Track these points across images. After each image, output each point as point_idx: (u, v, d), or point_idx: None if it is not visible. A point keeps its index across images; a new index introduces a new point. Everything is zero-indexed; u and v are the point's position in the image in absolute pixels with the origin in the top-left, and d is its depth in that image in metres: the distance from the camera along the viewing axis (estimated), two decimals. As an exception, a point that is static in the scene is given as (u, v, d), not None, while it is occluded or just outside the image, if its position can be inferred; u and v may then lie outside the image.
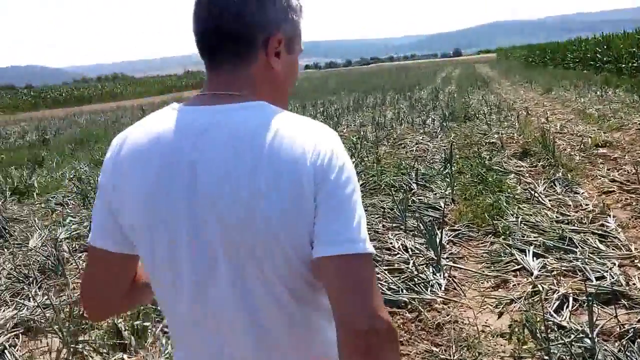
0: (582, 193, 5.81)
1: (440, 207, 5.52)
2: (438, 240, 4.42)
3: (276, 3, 0.97)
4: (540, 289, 3.71)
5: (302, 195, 0.89)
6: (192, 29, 0.99)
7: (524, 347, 3.06)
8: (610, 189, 5.92)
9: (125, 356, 3.22)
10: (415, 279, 4.04)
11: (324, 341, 1.00)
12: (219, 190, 0.91)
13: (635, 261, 4.06)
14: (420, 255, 4.52)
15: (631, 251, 4.21)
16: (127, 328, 3.44)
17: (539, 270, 4.03)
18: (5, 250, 5.41)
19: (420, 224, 4.90)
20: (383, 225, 5.31)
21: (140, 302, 1.25)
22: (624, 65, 20.75)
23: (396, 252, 4.62)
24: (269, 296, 0.95)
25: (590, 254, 4.19)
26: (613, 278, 3.74)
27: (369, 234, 0.95)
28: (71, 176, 9.07)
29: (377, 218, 5.52)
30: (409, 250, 4.63)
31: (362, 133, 11.00)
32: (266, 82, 0.99)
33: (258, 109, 0.94)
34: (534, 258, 4.23)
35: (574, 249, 4.30)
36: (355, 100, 20.07)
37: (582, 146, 8.22)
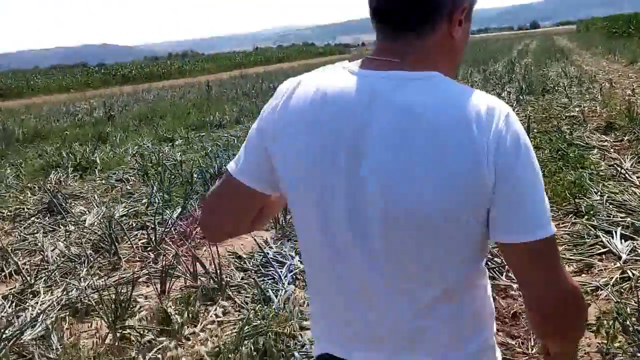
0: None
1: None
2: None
3: None
4: (631, 275, 3.36)
5: (478, 175, 0.87)
6: None
7: (614, 343, 2.70)
8: None
9: (172, 343, 3.05)
10: (490, 263, 3.69)
11: (483, 297, 1.03)
12: (389, 159, 0.89)
13: None
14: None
15: None
16: (176, 312, 3.30)
17: (628, 254, 3.65)
18: (62, 227, 5.36)
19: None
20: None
21: (261, 224, 1.30)
22: None
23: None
24: (438, 263, 0.95)
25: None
26: None
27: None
28: (134, 152, 9.10)
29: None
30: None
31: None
32: (445, 51, 0.96)
33: (436, 82, 0.92)
34: (622, 240, 3.84)
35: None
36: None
37: None
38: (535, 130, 7.44)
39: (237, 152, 1.10)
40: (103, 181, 7.29)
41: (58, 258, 4.54)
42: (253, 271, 3.96)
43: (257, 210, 1.14)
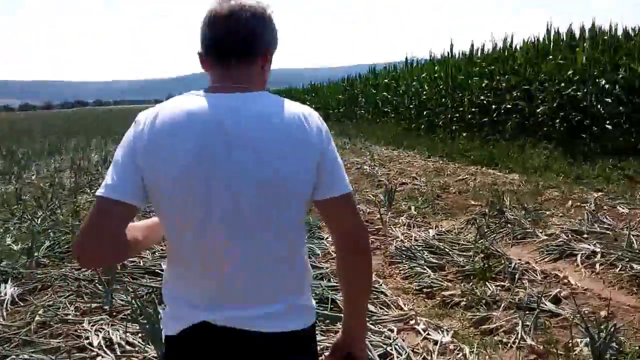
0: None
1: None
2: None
3: (272, 29, 1.38)
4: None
5: (312, 156, 1.31)
6: (204, 33, 1.35)
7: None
8: None
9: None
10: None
11: (305, 257, 1.45)
12: (252, 154, 1.26)
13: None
14: (135, 355, 3.19)
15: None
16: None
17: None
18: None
19: (134, 302, 3.43)
20: (77, 308, 3.86)
21: (135, 251, 1.66)
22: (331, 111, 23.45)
23: (95, 353, 3.21)
24: (282, 227, 1.34)
25: None
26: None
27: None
28: None
29: (67, 296, 4.09)
30: (117, 347, 3.25)
31: (57, 180, 10.23)
32: (260, 81, 1.39)
33: (266, 96, 1.35)
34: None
35: None
36: (54, 143, 19.29)
37: None
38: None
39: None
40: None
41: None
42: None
43: (132, 234, 1.33)
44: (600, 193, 7.07)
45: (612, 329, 2.97)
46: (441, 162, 10.88)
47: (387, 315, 3.68)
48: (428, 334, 3.37)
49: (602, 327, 2.99)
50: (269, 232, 1.32)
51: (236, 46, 1.33)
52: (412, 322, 3.56)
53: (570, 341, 3.11)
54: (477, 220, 5.99)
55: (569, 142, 10.06)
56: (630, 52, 9.64)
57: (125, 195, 1.26)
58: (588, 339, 2.96)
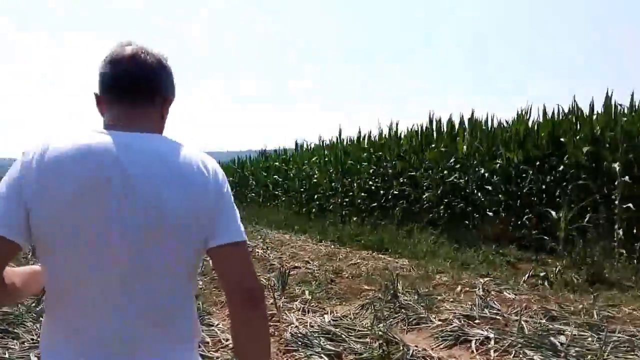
0: None
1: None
2: None
3: (172, 79, 1.43)
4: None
5: (207, 201, 1.29)
6: (104, 73, 1.35)
7: None
8: None
9: None
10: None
11: (194, 312, 1.40)
12: (147, 195, 1.23)
13: None
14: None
15: None
16: None
17: None
18: None
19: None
20: None
21: (11, 298, 1.54)
22: None
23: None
24: (170, 275, 1.30)
25: None
26: None
27: None
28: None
29: None
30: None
31: None
32: (158, 126, 1.41)
33: (164, 138, 1.36)
34: None
35: None
36: None
37: (202, 269, 6.91)
38: None
39: None
40: None
41: None
42: None
43: (10, 278, 1.30)
44: (486, 278, 7.30)
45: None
46: (333, 246, 10.90)
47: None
48: None
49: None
50: (156, 279, 1.27)
51: (138, 85, 1.34)
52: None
53: None
54: (373, 305, 5.93)
55: (453, 228, 10.48)
56: (506, 143, 10.35)
57: (9, 231, 1.18)
58: None
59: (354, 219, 12.90)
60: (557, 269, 7.30)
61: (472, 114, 11.29)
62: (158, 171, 1.25)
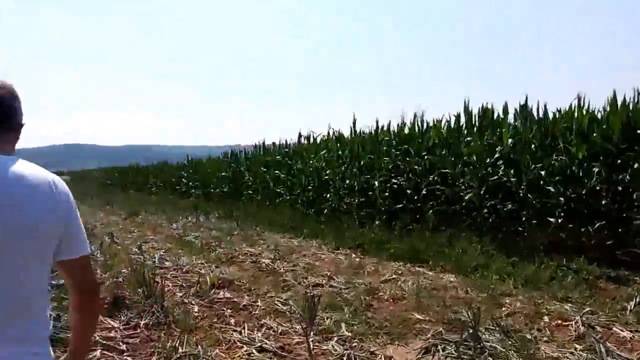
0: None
1: None
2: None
3: (21, 106, 1.74)
4: None
5: (60, 220, 1.65)
6: None
7: None
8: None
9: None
10: None
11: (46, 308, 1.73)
12: (11, 199, 1.55)
13: None
14: None
15: None
16: None
17: None
18: None
19: None
20: None
21: None
22: (212, 190, 22.38)
23: None
24: (34, 277, 1.62)
25: None
26: None
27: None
28: None
29: None
30: None
31: None
32: (13, 148, 1.72)
33: (23, 161, 1.66)
34: None
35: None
36: None
37: (198, 288, 6.69)
38: None
39: None
40: None
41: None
42: None
43: None
44: (568, 304, 5.77)
45: None
46: (354, 255, 9.31)
47: None
48: None
49: None
50: (10, 280, 1.54)
51: (3, 119, 1.67)
52: None
53: None
54: (441, 348, 4.40)
55: (501, 235, 8.95)
56: (565, 135, 8.81)
57: None
58: None
59: (376, 222, 11.29)
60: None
61: (526, 99, 9.71)
62: (21, 188, 1.57)
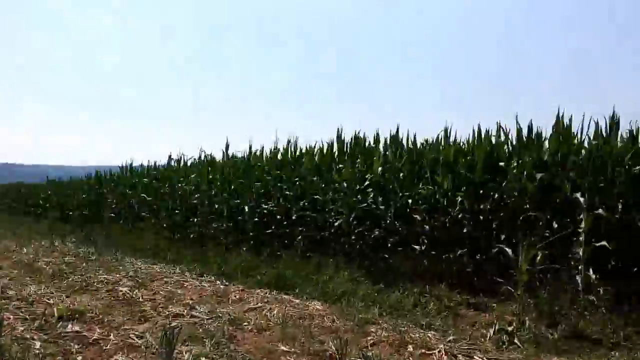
0: None
1: None
2: None
3: None
4: None
5: None
6: None
7: None
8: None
9: None
10: None
11: None
12: None
13: None
14: None
15: None
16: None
17: None
18: None
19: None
20: None
21: None
22: (71, 213, 22.17)
23: None
24: None
25: None
26: None
27: None
28: None
29: None
30: None
31: None
32: None
33: None
34: None
35: None
36: None
37: (42, 321, 6.08)
38: None
39: None
40: None
41: None
42: None
43: None
44: (432, 332, 5.79)
45: None
46: (219, 282, 8.92)
47: None
48: None
49: None
50: None
51: None
52: None
53: None
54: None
55: (368, 262, 8.98)
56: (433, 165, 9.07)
57: None
58: None
59: (244, 248, 10.99)
60: (521, 320, 5.94)
61: (398, 129, 9.95)
62: None
